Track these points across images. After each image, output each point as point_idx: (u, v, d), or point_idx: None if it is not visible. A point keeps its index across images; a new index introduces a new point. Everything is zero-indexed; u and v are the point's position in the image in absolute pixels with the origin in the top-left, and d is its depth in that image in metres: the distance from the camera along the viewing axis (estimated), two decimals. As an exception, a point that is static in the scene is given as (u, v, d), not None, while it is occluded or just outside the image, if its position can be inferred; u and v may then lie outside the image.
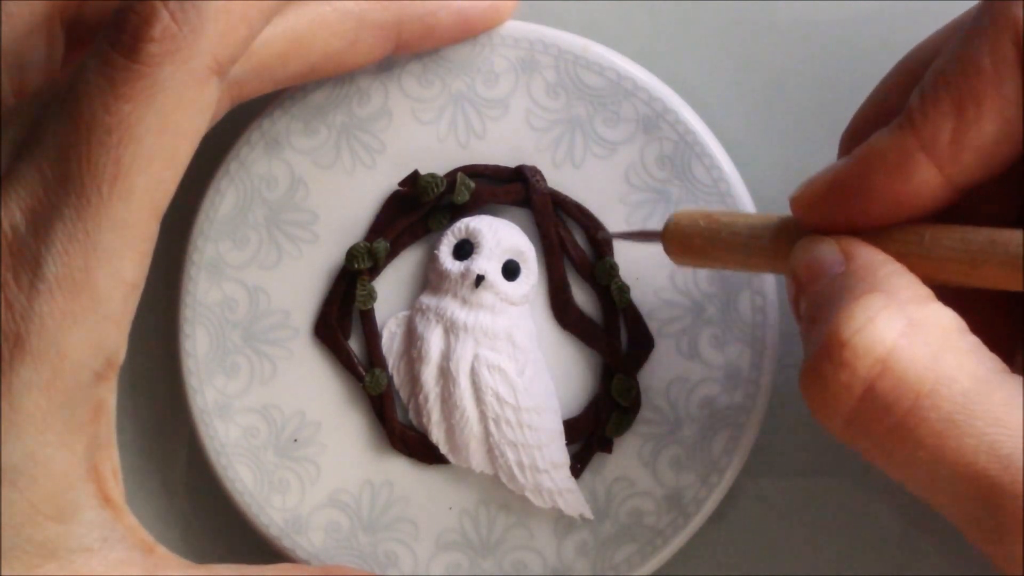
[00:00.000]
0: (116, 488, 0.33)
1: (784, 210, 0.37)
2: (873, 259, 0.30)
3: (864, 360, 0.28)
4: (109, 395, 0.32)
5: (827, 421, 0.29)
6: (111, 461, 0.33)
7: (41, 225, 0.30)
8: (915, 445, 0.27)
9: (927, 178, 0.29)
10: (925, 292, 0.29)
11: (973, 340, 0.29)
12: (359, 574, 0.38)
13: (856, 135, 0.35)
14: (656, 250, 0.39)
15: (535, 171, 0.40)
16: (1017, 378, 0.28)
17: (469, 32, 0.39)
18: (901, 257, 0.30)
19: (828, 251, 0.31)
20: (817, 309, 0.30)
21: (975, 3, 0.30)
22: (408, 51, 0.39)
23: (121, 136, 0.30)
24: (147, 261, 0.31)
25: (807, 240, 0.31)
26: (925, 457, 0.27)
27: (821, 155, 0.40)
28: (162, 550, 0.33)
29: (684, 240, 0.34)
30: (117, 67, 0.30)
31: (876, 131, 0.31)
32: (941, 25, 0.37)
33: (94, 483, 0.32)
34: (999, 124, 0.28)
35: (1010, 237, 0.29)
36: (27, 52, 0.34)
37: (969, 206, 0.31)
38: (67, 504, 0.31)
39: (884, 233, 0.31)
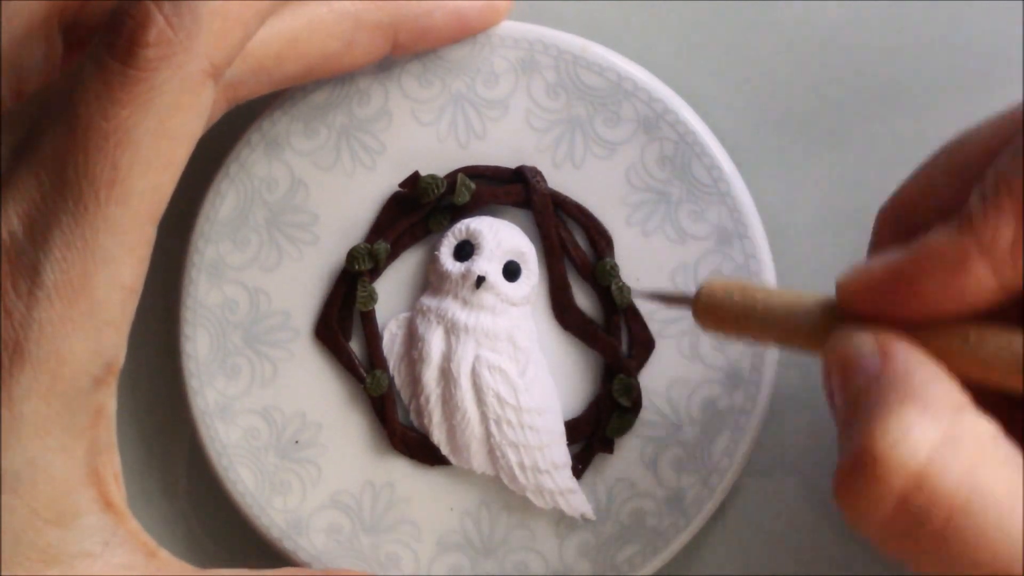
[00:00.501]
0: (118, 492, 0.33)
1: (786, 217, 0.37)
2: (910, 361, 0.29)
3: (898, 475, 0.27)
4: (109, 400, 0.32)
5: (860, 528, 0.28)
6: (112, 465, 0.33)
7: (39, 231, 0.30)
8: (949, 555, 0.27)
9: (981, 280, 0.29)
10: (961, 400, 0.29)
11: (1009, 449, 0.28)
12: None
13: (897, 216, 0.34)
14: (656, 250, 0.39)
15: (535, 172, 0.40)
16: None
17: (466, 32, 0.39)
18: (943, 355, 0.30)
19: (866, 346, 0.30)
20: (852, 409, 0.29)
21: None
22: (405, 52, 0.39)
23: (118, 141, 0.30)
24: (145, 265, 0.32)
25: (846, 332, 0.31)
26: (960, 565, 0.27)
27: (820, 155, 0.40)
28: (165, 554, 0.33)
29: (717, 312, 0.33)
30: (113, 72, 0.30)
31: (921, 216, 0.31)
32: (940, 24, 0.37)
33: (95, 487, 0.32)
34: None
35: None
36: (25, 55, 0.34)
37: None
38: (68, 509, 0.31)
39: (927, 329, 0.30)
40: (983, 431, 0.28)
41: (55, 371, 0.30)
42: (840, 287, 0.31)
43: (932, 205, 0.31)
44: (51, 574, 0.31)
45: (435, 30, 0.38)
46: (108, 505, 0.32)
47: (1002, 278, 0.29)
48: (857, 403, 0.29)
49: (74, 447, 0.31)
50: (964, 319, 0.30)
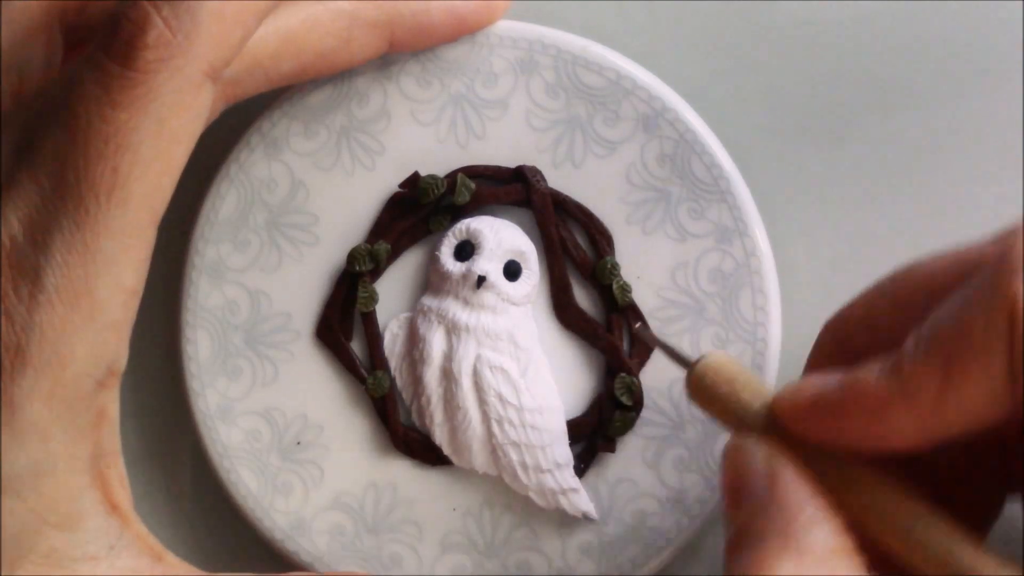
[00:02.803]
0: (123, 495, 0.33)
1: (787, 215, 0.37)
2: (796, 497, 0.30)
3: None
4: (112, 402, 0.32)
5: None
6: (117, 468, 0.33)
7: (40, 235, 0.30)
8: None
9: (902, 425, 0.29)
10: (839, 548, 0.29)
11: None
12: None
13: (840, 332, 0.34)
14: (656, 249, 0.39)
15: (535, 171, 0.40)
16: None
17: (462, 31, 0.39)
18: (840, 490, 0.30)
19: (756, 464, 0.31)
20: (737, 541, 0.30)
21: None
22: (402, 50, 0.39)
23: (118, 144, 0.30)
24: (146, 267, 0.32)
25: (738, 447, 0.32)
26: None
27: (820, 152, 0.40)
28: (171, 557, 0.33)
29: (702, 393, 0.33)
30: (112, 75, 0.30)
31: (861, 337, 0.32)
32: (940, 24, 0.37)
33: (100, 490, 0.32)
34: (983, 391, 0.28)
35: (936, 533, 0.29)
36: (26, 56, 0.34)
37: None
38: (72, 512, 0.31)
39: (842, 463, 0.31)
40: None
41: (57, 374, 0.30)
42: (775, 402, 0.32)
43: (872, 330, 0.32)
44: None
45: (432, 28, 0.38)
46: (113, 508, 0.32)
47: (923, 429, 0.29)
48: (741, 533, 0.30)
49: (77, 450, 0.31)
50: (886, 456, 0.30)
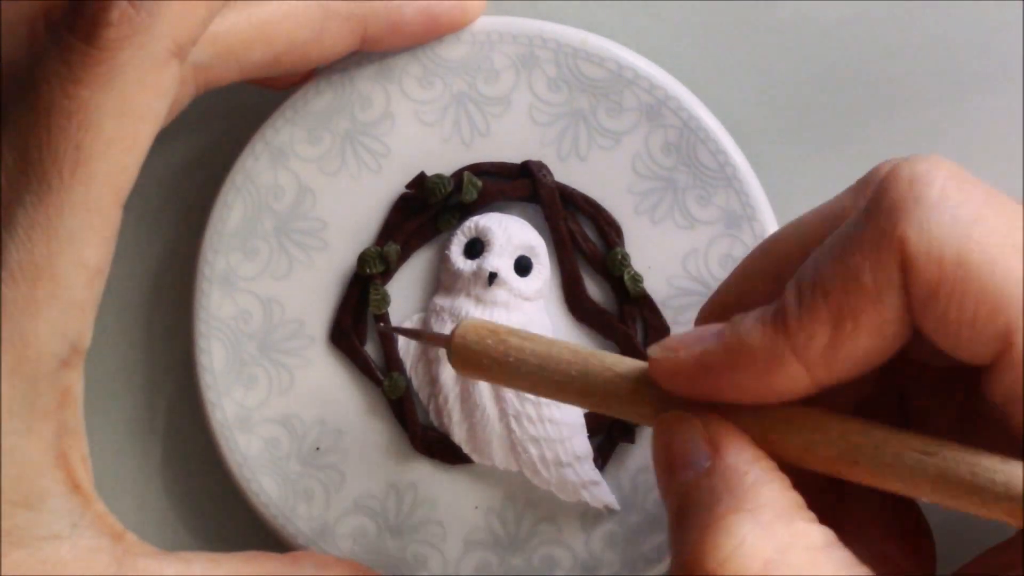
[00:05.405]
0: (85, 475, 0.33)
1: (794, 201, 0.37)
2: (739, 460, 0.29)
3: None
4: (76, 382, 0.32)
5: None
6: (80, 448, 0.33)
7: (2, 212, 0.30)
8: None
9: (794, 378, 0.29)
10: (792, 503, 0.29)
11: (842, 556, 0.28)
12: (327, 559, 0.37)
13: (714, 315, 0.34)
14: (666, 237, 0.39)
15: (541, 166, 0.40)
16: None
17: (436, 31, 0.39)
18: (768, 436, 0.30)
19: (694, 439, 0.30)
20: (683, 512, 0.29)
21: None
22: (375, 47, 0.39)
23: (81, 121, 0.30)
24: (111, 246, 0.31)
25: (672, 419, 0.31)
26: None
27: (825, 139, 0.40)
28: (132, 537, 0.33)
29: (470, 357, 0.33)
30: (75, 52, 0.30)
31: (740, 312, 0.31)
32: (942, 22, 0.37)
33: (62, 470, 0.32)
34: (875, 340, 0.28)
35: (884, 438, 0.29)
36: (11, 52, 0.34)
37: None
38: (35, 491, 0.31)
39: (751, 410, 0.30)
40: (815, 540, 0.28)
41: (20, 353, 0.30)
42: (654, 365, 0.31)
43: (749, 305, 0.31)
44: (17, 556, 0.31)
45: (404, 26, 0.38)
46: (75, 487, 0.32)
47: (815, 377, 0.29)
48: (687, 504, 0.29)
49: (41, 429, 0.31)
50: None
